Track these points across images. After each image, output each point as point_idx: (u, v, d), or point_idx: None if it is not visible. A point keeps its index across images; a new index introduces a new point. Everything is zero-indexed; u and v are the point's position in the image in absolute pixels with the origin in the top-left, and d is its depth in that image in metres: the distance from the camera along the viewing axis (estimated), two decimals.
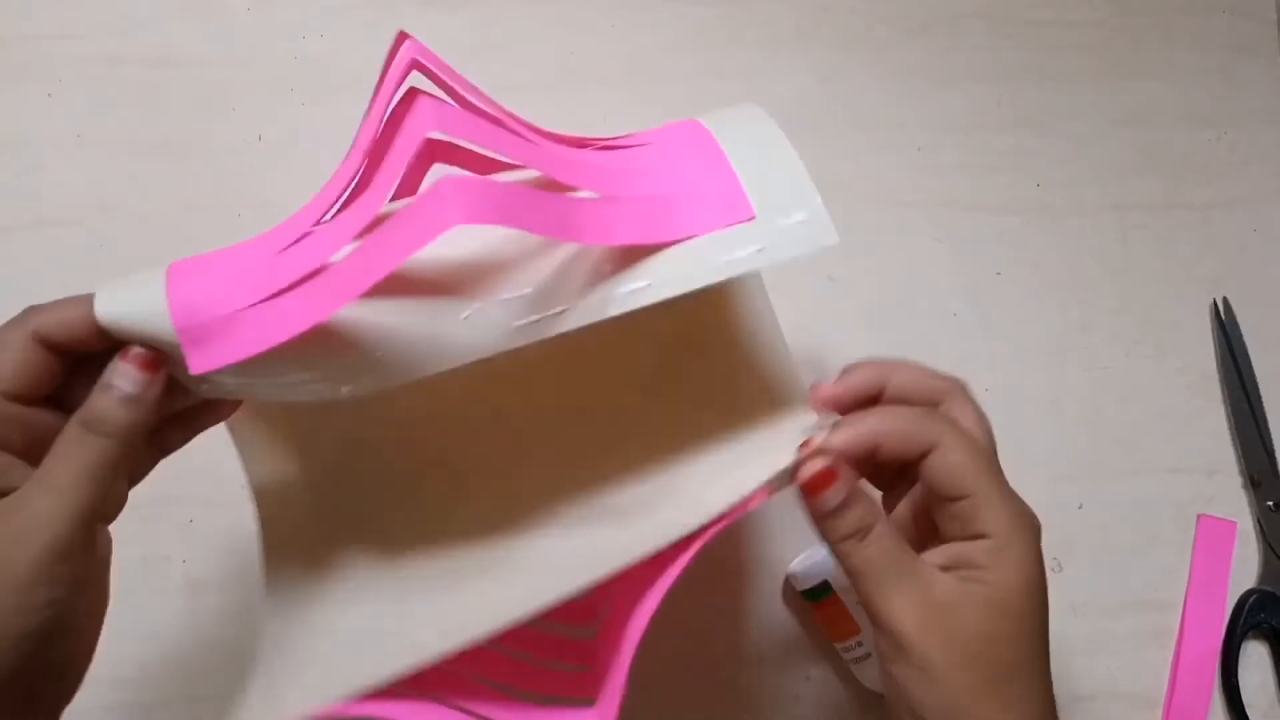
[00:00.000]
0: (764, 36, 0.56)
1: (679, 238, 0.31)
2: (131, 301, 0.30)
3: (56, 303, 0.32)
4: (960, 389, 0.35)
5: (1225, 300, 0.55)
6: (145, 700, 0.47)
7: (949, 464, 0.33)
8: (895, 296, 0.54)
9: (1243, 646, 0.50)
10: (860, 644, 0.47)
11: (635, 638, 0.35)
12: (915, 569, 0.32)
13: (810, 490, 0.33)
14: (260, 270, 0.31)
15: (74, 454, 0.30)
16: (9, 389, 0.30)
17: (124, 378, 0.30)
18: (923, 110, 0.56)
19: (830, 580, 0.47)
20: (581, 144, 0.35)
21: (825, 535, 0.33)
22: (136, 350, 0.30)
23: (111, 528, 0.48)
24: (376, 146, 0.34)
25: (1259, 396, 0.53)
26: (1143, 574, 0.51)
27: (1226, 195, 0.56)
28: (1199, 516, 0.52)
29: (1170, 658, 0.51)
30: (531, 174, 0.34)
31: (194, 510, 0.49)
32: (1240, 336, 0.54)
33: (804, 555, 0.47)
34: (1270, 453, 0.52)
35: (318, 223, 0.34)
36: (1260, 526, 0.52)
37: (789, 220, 0.32)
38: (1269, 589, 0.51)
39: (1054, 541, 0.51)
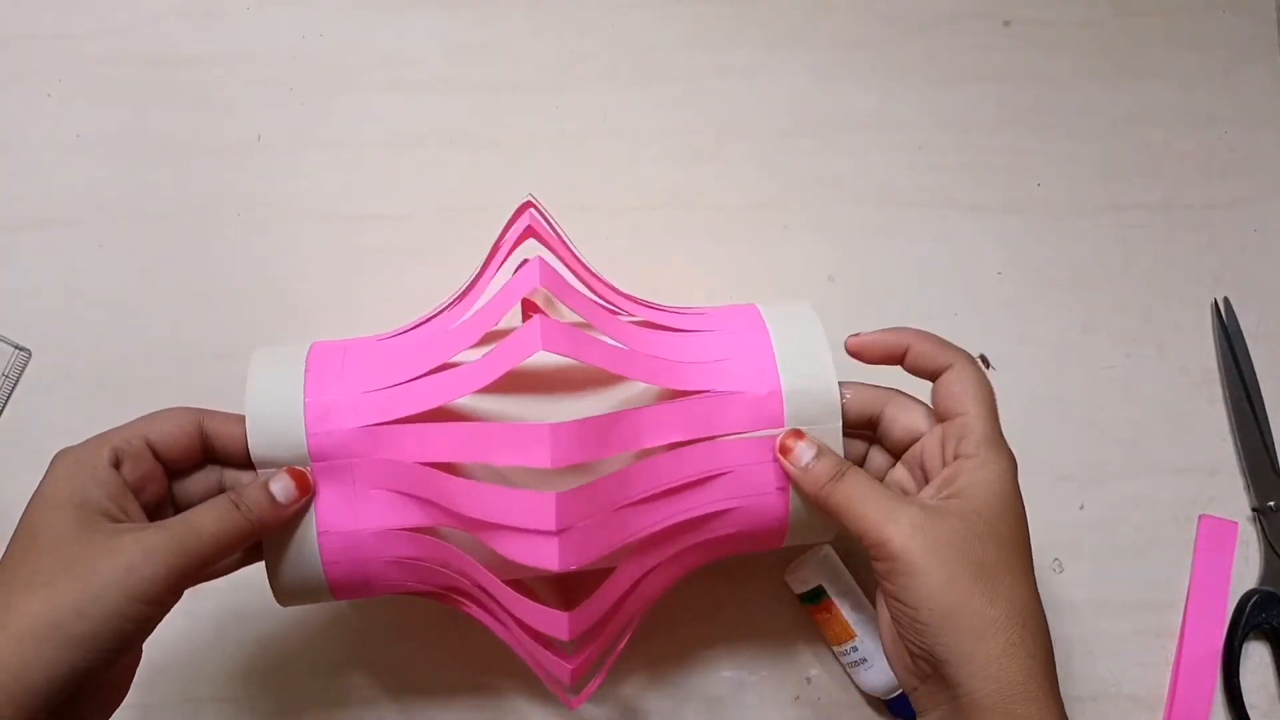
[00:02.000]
0: (764, 36, 0.56)
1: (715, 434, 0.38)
2: (278, 447, 0.38)
3: (228, 416, 0.39)
4: (971, 358, 0.40)
5: (1226, 300, 0.54)
6: (145, 701, 0.47)
7: (960, 379, 0.38)
8: (895, 296, 0.54)
9: (1244, 647, 0.50)
10: (856, 648, 0.46)
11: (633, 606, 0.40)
12: (894, 495, 0.37)
13: (785, 451, 0.38)
14: (385, 380, 0.38)
15: (219, 515, 0.36)
16: (164, 452, 0.38)
17: (282, 486, 0.37)
18: (923, 110, 0.56)
19: (824, 585, 0.47)
20: (642, 308, 0.41)
21: (807, 489, 0.38)
22: (301, 473, 0.37)
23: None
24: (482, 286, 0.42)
25: (1259, 396, 0.53)
26: (1144, 574, 0.51)
27: (1226, 195, 0.56)
28: (1200, 516, 0.52)
29: (1171, 658, 0.51)
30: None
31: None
32: (1241, 336, 0.54)
33: (799, 560, 0.47)
34: (1270, 453, 0.52)
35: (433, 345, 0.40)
36: (1261, 526, 0.52)
37: (810, 426, 0.39)
38: (1270, 589, 0.51)
39: (1055, 542, 0.51)
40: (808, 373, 0.39)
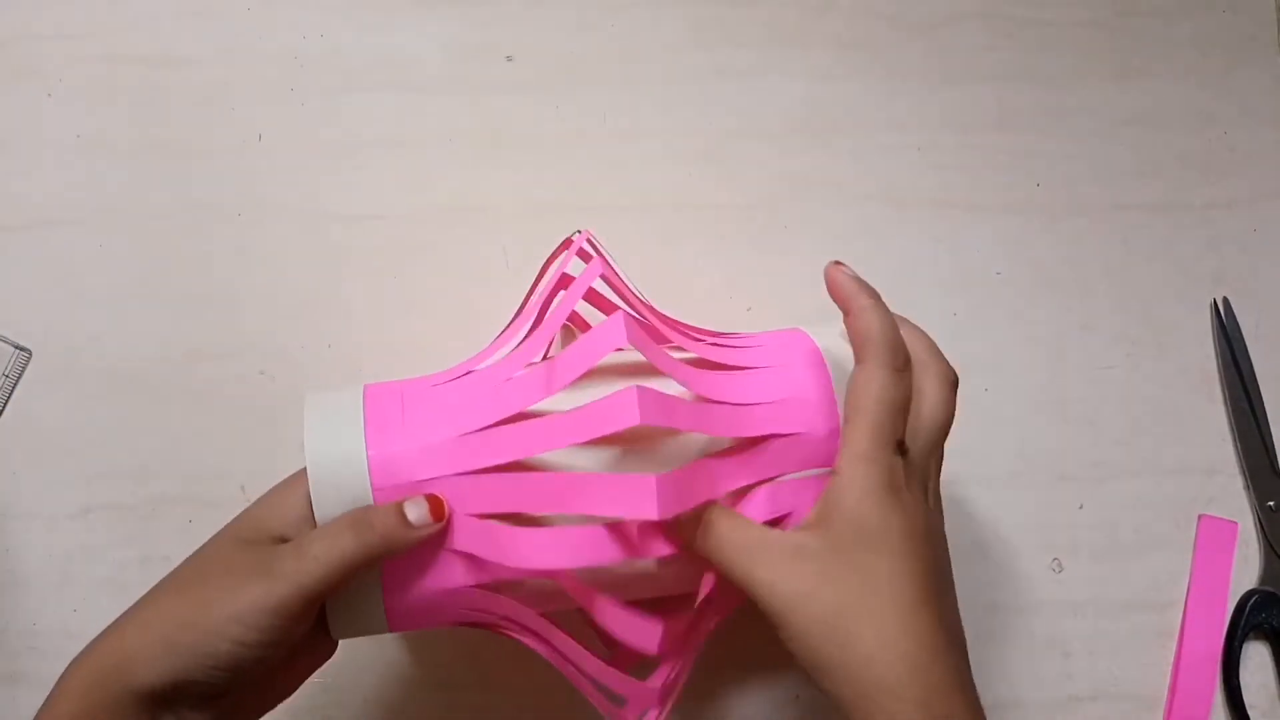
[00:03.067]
0: (764, 36, 0.56)
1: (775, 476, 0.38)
2: (342, 503, 0.36)
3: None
4: (877, 360, 0.36)
5: (1225, 300, 0.54)
6: None
7: (855, 379, 0.36)
8: (895, 296, 0.53)
9: (1244, 647, 0.50)
10: None
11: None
12: (757, 539, 0.35)
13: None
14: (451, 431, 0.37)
15: (330, 539, 0.34)
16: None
17: (416, 508, 0.35)
18: (923, 110, 0.56)
19: None
20: (699, 338, 0.41)
21: (686, 546, 0.36)
22: (437, 498, 0.35)
23: (113, 529, 0.48)
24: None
25: (1259, 396, 0.53)
26: (1143, 574, 0.51)
27: (1226, 195, 0.56)
28: (1200, 516, 0.52)
29: (1171, 658, 0.51)
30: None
31: (194, 510, 0.49)
32: (1240, 336, 0.54)
33: None
34: (1271, 453, 0.52)
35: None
36: (1261, 526, 0.52)
37: None
38: (1270, 589, 0.51)
39: (1054, 542, 0.51)
40: None
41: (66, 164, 0.53)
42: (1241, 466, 0.53)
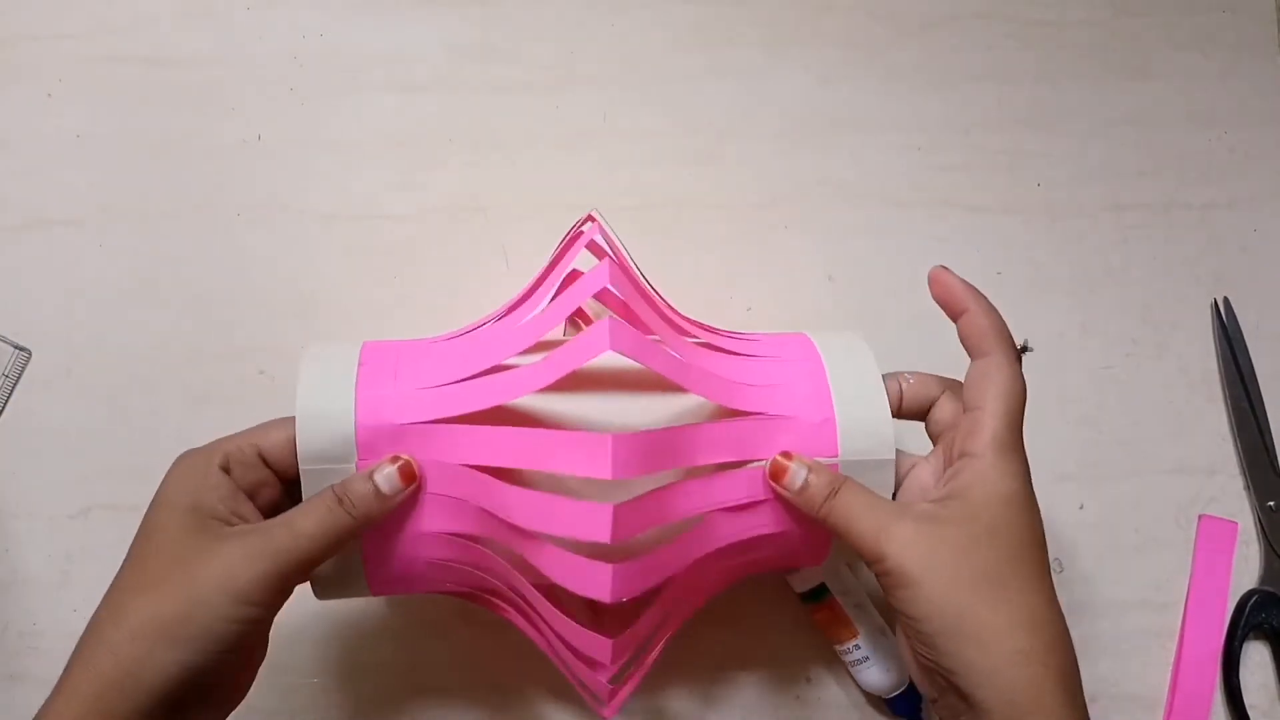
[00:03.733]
0: (764, 36, 0.56)
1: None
2: (327, 438, 0.37)
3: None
4: (1012, 354, 0.38)
5: (1225, 300, 0.54)
6: None
7: (989, 371, 0.37)
8: (895, 296, 0.54)
9: (1244, 647, 0.50)
10: (859, 646, 0.47)
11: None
12: (887, 507, 0.36)
13: (777, 474, 0.37)
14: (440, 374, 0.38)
15: (321, 514, 0.35)
16: (275, 460, 0.37)
17: (386, 478, 0.36)
18: (923, 110, 0.56)
19: (827, 583, 0.47)
20: (698, 332, 0.41)
21: (806, 510, 0.37)
22: (405, 461, 0.36)
23: (113, 529, 0.48)
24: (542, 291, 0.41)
25: (1259, 396, 0.53)
26: (1143, 574, 0.51)
27: (1226, 195, 0.56)
28: (1200, 516, 0.52)
29: (1171, 658, 0.51)
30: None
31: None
32: (1241, 336, 0.54)
33: None
34: (1271, 452, 0.52)
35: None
36: (1261, 526, 0.52)
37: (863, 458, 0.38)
38: (1270, 589, 0.51)
39: (1055, 541, 0.51)
40: (862, 403, 0.38)
41: (66, 164, 0.53)
42: (1241, 466, 0.53)
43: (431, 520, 0.37)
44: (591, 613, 0.41)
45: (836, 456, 0.38)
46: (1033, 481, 0.36)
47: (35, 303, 0.51)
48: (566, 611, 0.38)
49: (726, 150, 0.55)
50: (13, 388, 0.50)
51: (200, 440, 0.38)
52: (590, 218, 0.41)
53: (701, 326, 0.41)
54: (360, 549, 0.37)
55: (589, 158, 0.54)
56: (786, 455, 0.37)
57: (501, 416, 0.37)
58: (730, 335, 0.42)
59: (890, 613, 0.48)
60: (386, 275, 0.53)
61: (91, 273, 0.52)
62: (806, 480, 0.37)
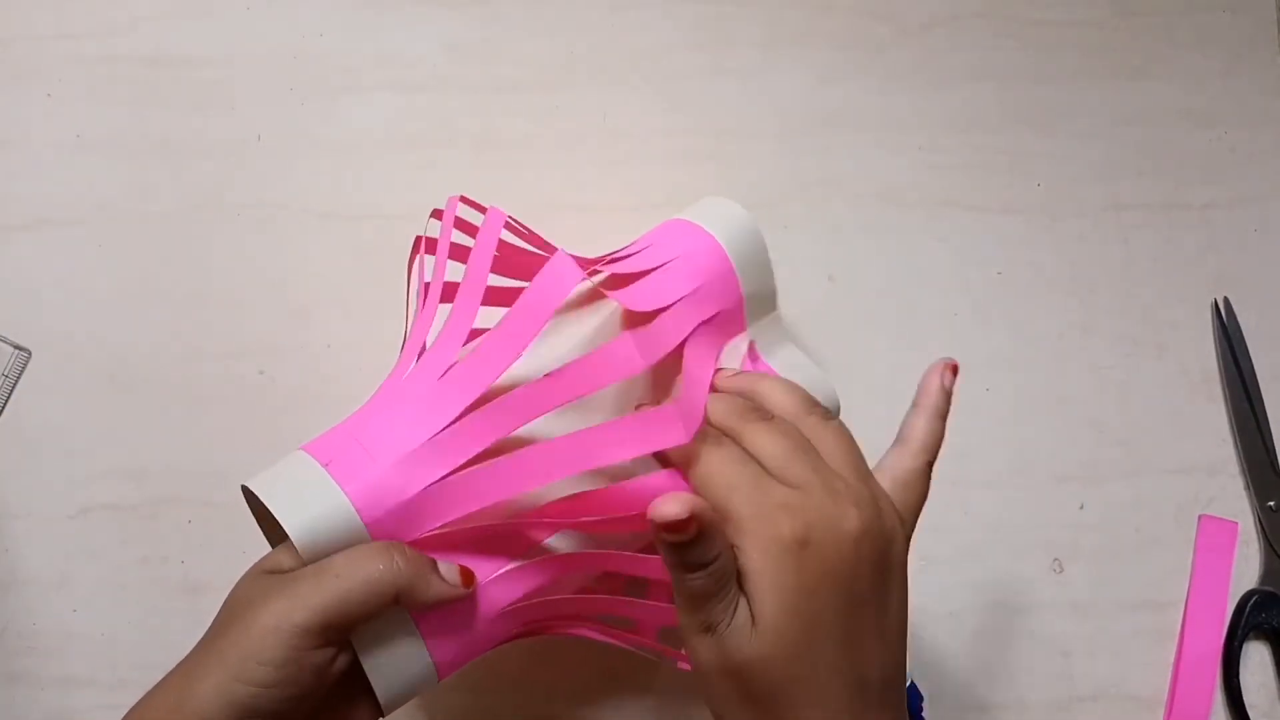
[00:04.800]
0: (764, 36, 0.56)
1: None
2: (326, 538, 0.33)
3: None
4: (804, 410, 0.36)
5: (1226, 300, 0.54)
6: None
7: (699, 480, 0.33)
8: (895, 296, 0.54)
9: (1244, 647, 0.50)
10: None
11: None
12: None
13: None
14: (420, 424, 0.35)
15: (360, 557, 0.33)
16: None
17: (450, 571, 0.34)
18: (923, 110, 0.56)
19: None
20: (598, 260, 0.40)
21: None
22: (469, 571, 0.34)
23: (113, 529, 0.48)
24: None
25: (1259, 396, 0.53)
26: (1144, 574, 0.51)
27: (1226, 195, 0.56)
28: (1200, 517, 0.52)
29: (1171, 658, 0.51)
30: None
31: (194, 510, 0.49)
32: (1241, 336, 0.54)
33: None
34: (1271, 452, 0.52)
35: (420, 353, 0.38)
36: (1261, 526, 0.52)
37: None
38: (1270, 589, 0.51)
39: (1055, 542, 0.51)
40: (746, 245, 0.41)
41: (66, 164, 0.53)
42: (1241, 466, 0.53)
43: (494, 596, 0.35)
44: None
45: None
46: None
47: (35, 303, 0.51)
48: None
49: (726, 150, 0.55)
50: (13, 388, 0.50)
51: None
52: (453, 201, 0.42)
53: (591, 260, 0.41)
54: (420, 638, 0.34)
55: (589, 158, 0.54)
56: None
57: (501, 446, 0.34)
58: (612, 254, 0.42)
59: None
60: (386, 275, 0.52)
61: (91, 273, 0.52)
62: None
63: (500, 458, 0.33)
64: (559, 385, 0.33)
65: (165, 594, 0.48)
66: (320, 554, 0.33)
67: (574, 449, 0.33)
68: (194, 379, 0.51)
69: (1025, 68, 0.57)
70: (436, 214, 0.41)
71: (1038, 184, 0.56)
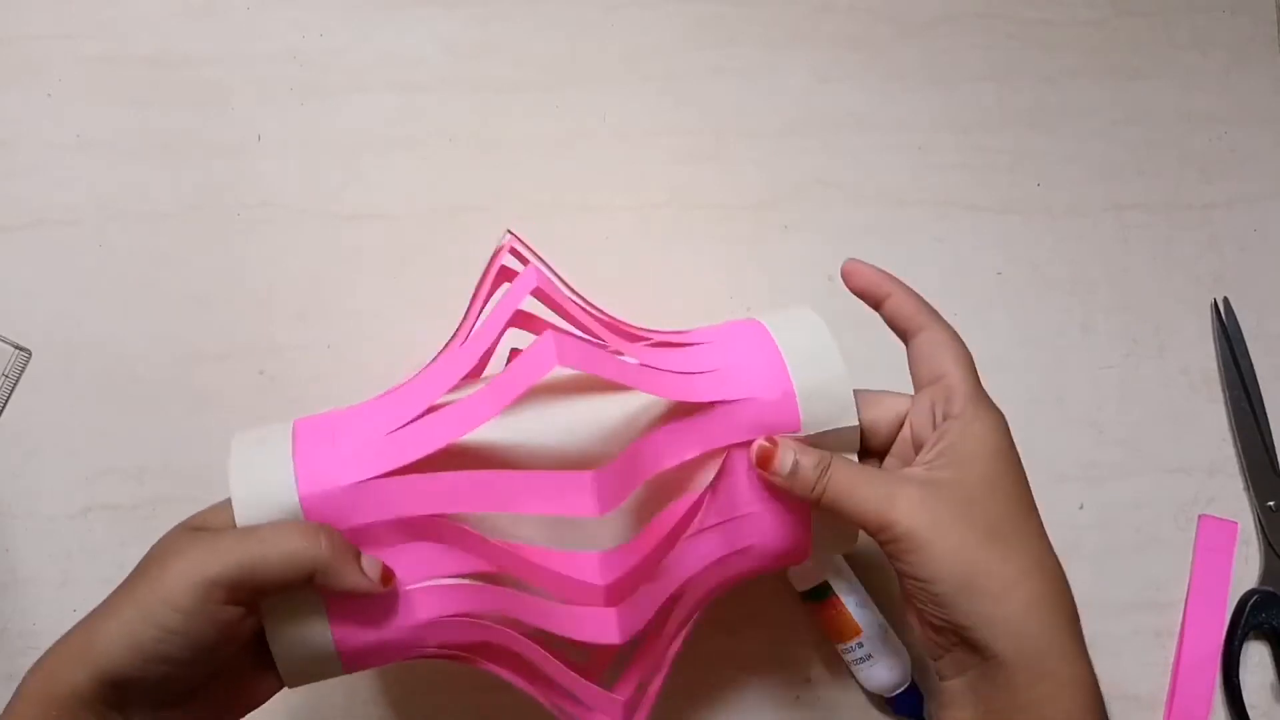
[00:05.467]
0: (764, 36, 0.56)
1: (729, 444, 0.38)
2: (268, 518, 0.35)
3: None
4: (945, 323, 0.39)
5: (1226, 300, 0.54)
6: None
7: (936, 341, 0.38)
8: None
9: (1244, 647, 0.50)
10: (861, 645, 0.46)
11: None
12: (884, 476, 0.36)
13: (764, 461, 0.37)
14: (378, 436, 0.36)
15: (281, 530, 0.34)
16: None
17: (372, 566, 0.35)
18: (923, 110, 0.56)
19: (830, 581, 0.47)
20: (642, 336, 0.40)
21: (799, 493, 0.36)
22: (390, 570, 0.35)
23: (113, 529, 0.48)
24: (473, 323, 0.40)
25: (1259, 396, 0.53)
26: (1143, 574, 0.51)
27: (1226, 195, 0.56)
28: (1200, 516, 0.52)
29: (1171, 658, 0.51)
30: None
31: (194, 510, 0.49)
32: (1241, 336, 0.54)
33: None
34: (1271, 452, 0.52)
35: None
36: (1261, 526, 0.52)
37: (827, 428, 0.38)
38: (1270, 589, 0.51)
39: (1055, 542, 0.51)
40: (819, 372, 0.38)
41: (66, 164, 0.53)
42: (1241, 466, 0.53)
43: (407, 610, 0.35)
44: (579, 653, 0.40)
45: (799, 430, 0.37)
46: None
47: (35, 303, 0.51)
48: (558, 655, 0.37)
49: (727, 150, 0.55)
50: (13, 388, 0.50)
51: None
52: (510, 235, 0.41)
53: (638, 328, 0.40)
54: (328, 621, 0.35)
55: (589, 158, 0.54)
56: (771, 440, 0.37)
57: (450, 454, 0.35)
58: (672, 332, 0.41)
59: (877, 597, 0.48)
60: (386, 275, 0.53)
61: (91, 273, 0.52)
62: (796, 463, 0.36)
63: (434, 473, 0.34)
64: (488, 396, 0.34)
65: None
66: (250, 513, 0.34)
67: (487, 486, 0.34)
68: (194, 379, 0.51)
69: (1025, 68, 0.57)
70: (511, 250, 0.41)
71: (1038, 184, 0.56)
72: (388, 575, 0.35)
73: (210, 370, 0.51)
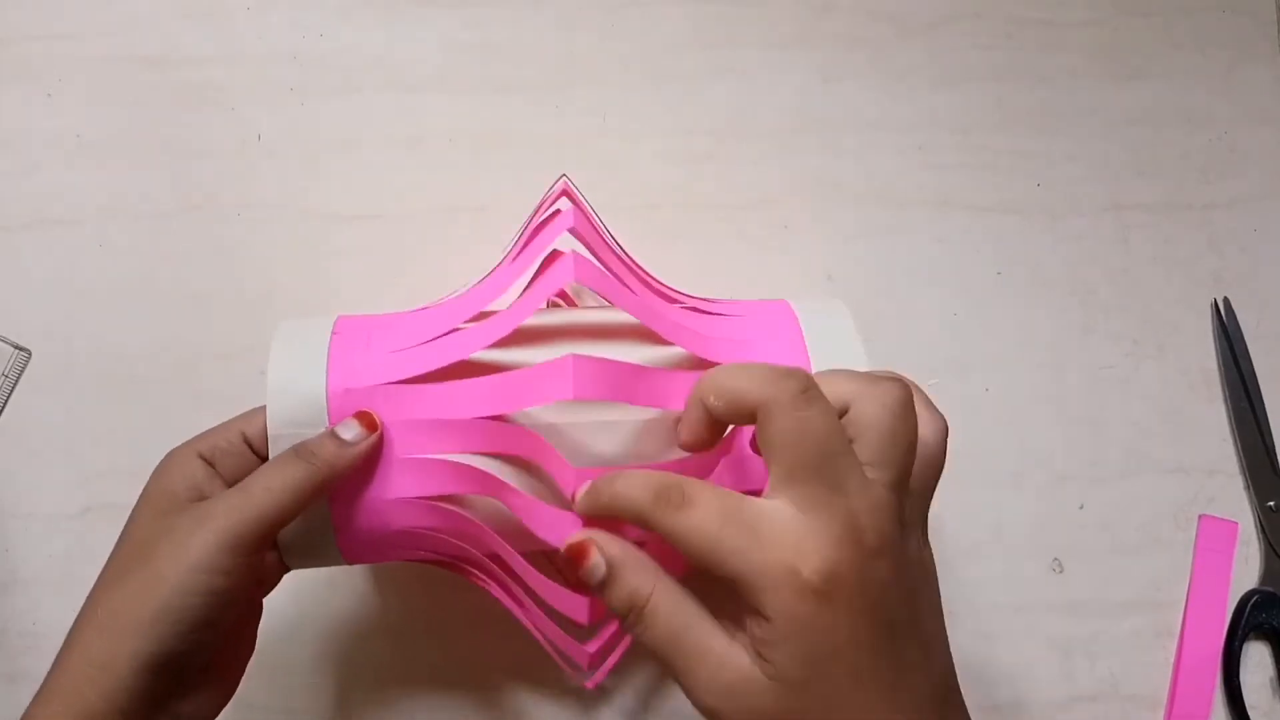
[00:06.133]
0: (764, 36, 0.56)
1: None
2: (299, 407, 0.36)
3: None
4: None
5: (1226, 300, 0.54)
6: None
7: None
8: (895, 296, 0.54)
9: (1244, 647, 0.50)
10: None
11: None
12: (706, 647, 0.29)
13: (574, 560, 0.31)
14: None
15: (275, 470, 0.34)
16: (257, 443, 0.36)
17: (347, 428, 0.35)
18: (923, 110, 0.56)
19: None
20: (677, 299, 0.40)
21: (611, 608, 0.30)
22: (365, 412, 0.35)
23: (113, 529, 0.48)
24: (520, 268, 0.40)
25: (1259, 396, 0.53)
26: (1144, 574, 0.51)
27: (1226, 195, 0.56)
28: (1200, 517, 0.52)
29: (1171, 658, 0.51)
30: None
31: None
32: (1241, 336, 0.54)
33: None
34: (1271, 452, 0.52)
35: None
36: (1261, 526, 0.52)
37: None
38: (1270, 589, 0.51)
39: (1055, 542, 0.51)
40: (838, 358, 0.37)
41: (66, 164, 0.53)
42: (1241, 466, 0.53)
43: (401, 481, 0.36)
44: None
45: None
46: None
47: (35, 303, 0.51)
48: (549, 576, 0.37)
49: (726, 150, 0.55)
50: (13, 388, 0.50)
51: None
52: (564, 191, 0.41)
53: (679, 293, 0.41)
54: (329, 514, 0.36)
55: (589, 158, 0.54)
56: (584, 546, 0.30)
57: (471, 373, 0.36)
58: (703, 299, 0.41)
59: None
60: (386, 275, 0.53)
61: (91, 273, 0.52)
62: (610, 576, 0.30)
63: (429, 384, 0.36)
64: (507, 314, 0.36)
65: None
66: (281, 400, 0.36)
67: (477, 388, 0.35)
68: (194, 379, 0.51)
69: (1025, 68, 0.57)
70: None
71: (1038, 184, 0.56)
72: (369, 422, 0.35)
73: (210, 370, 0.51)
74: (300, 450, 0.34)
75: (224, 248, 0.52)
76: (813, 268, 0.54)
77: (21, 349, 0.51)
